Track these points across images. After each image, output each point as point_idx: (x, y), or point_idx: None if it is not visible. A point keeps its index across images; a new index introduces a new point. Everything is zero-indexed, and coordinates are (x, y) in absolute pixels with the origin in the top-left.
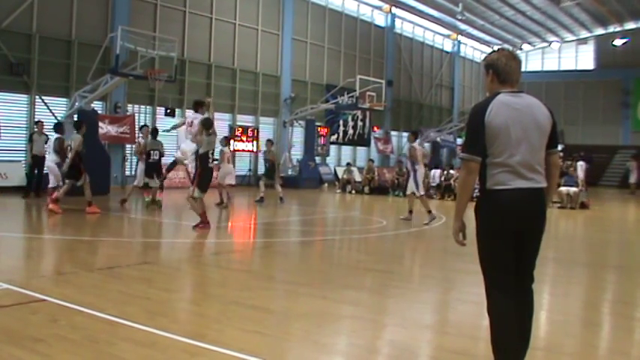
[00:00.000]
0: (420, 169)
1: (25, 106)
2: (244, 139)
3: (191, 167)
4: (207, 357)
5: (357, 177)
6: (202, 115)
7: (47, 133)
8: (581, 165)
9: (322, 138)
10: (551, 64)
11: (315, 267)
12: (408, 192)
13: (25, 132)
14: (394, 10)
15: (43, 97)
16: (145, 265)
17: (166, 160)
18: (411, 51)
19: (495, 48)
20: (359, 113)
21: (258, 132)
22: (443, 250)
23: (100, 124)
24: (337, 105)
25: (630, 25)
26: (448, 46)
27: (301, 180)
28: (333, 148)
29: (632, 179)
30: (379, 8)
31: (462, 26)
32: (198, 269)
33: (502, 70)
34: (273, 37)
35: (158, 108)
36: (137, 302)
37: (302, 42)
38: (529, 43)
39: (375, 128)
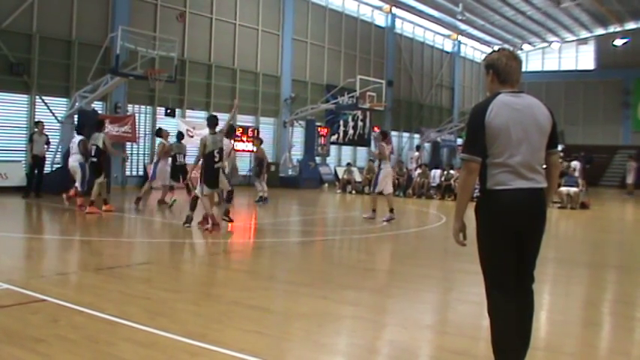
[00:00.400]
0: (386, 169)
1: (25, 106)
2: (244, 139)
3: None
4: (208, 357)
5: (358, 177)
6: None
7: (47, 134)
8: (574, 165)
9: (322, 138)
10: (551, 64)
11: (315, 267)
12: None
13: (25, 132)
14: (394, 10)
15: (43, 97)
16: (145, 265)
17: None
18: (411, 51)
19: (496, 48)
20: (359, 113)
21: (258, 132)
22: (443, 250)
23: None
24: (337, 105)
25: (630, 25)
26: (448, 46)
27: (301, 180)
28: (333, 148)
29: (630, 179)
30: (379, 8)
31: (462, 26)
32: (199, 269)
33: (502, 70)
34: (273, 37)
35: (158, 108)
36: (137, 302)
37: (302, 42)
38: (529, 43)
39: (376, 128)
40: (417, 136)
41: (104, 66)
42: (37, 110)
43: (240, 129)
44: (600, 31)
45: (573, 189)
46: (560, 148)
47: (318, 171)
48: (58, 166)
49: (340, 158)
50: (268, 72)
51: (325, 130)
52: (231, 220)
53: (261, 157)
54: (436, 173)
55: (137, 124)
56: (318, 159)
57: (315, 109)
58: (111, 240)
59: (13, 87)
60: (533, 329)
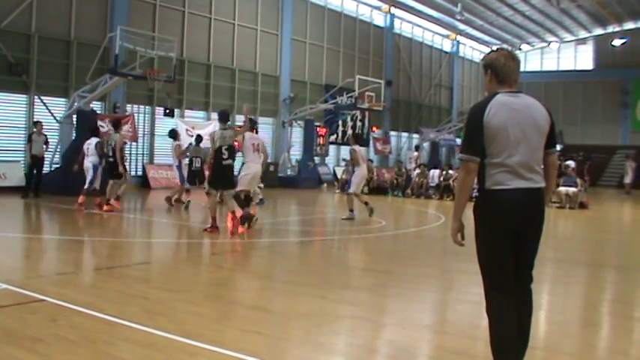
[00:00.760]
0: (360, 171)
1: (24, 106)
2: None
3: None
4: (206, 357)
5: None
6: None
7: (46, 134)
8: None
9: (321, 138)
10: (550, 65)
11: (314, 267)
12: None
13: (23, 132)
14: (393, 10)
15: (42, 97)
16: (144, 265)
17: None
18: (410, 51)
19: (494, 48)
20: (358, 113)
21: (257, 132)
22: (442, 250)
23: (101, 122)
24: (336, 105)
25: (629, 25)
26: (447, 46)
27: (300, 180)
28: (332, 148)
29: (628, 179)
30: (378, 8)
31: (461, 26)
32: (198, 269)
33: (500, 70)
34: (272, 37)
35: (157, 108)
36: (136, 302)
37: (301, 42)
38: (528, 44)
39: (374, 128)
40: (415, 136)
41: (103, 66)
42: (35, 110)
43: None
44: (599, 31)
45: (572, 189)
46: (558, 148)
47: (317, 171)
48: (57, 166)
49: (339, 158)
50: (267, 72)
51: (324, 130)
52: (249, 227)
53: None
54: (435, 173)
55: (136, 123)
56: (317, 159)
57: (314, 109)
58: (110, 240)
59: (11, 87)
60: (532, 329)
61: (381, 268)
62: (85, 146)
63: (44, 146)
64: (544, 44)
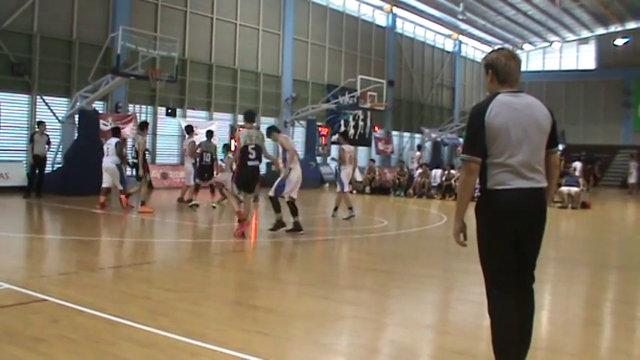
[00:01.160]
0: (346, 169)
1: (27, 106)
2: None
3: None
4: (208, 357)
5: (359, 177)
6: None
7: (48, 134)
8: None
9: (323, 138)
10: (552, 64)
11: (316, 267)
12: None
13: (26, 132)
14: (395, 10)
15: (44, 97)
16: (146, 264)
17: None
18: (412, 51)
19: (495, 48)
20: (360, 113)
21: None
22: (444, 250)
23: (103, 121)
24: (338, 105)
25: (631, 25)
26: (449, 46)
27: (302, 180)
28: (334, 148)
29: (632, 179)
30: (380, 8)
31: (463, 26)
32: (200, 269)
33: (501, 70)
34: (274, 37)
35: (159, 108)
36: (138, 302)
37: (303, 42)
38: (530, 43)
39: (376, 128)
40: (417, 135)
41: (105, 66)
42: (38, 110)
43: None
44: (601, 30)
45: (574, 189)
46: (560, 147)
47: (319, 171)
48: (59, 166)
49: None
50: (269, 72)
51: (326, 129)
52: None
53: None
54: (437, 173)
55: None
56: (319, 159)
57: (316, 109)
58: (112, 240)
59: (14, 87)
60: (534, 329)
61: (383, 268)
62: (105, 146)
63: (46, 146)
64: (546, 44)
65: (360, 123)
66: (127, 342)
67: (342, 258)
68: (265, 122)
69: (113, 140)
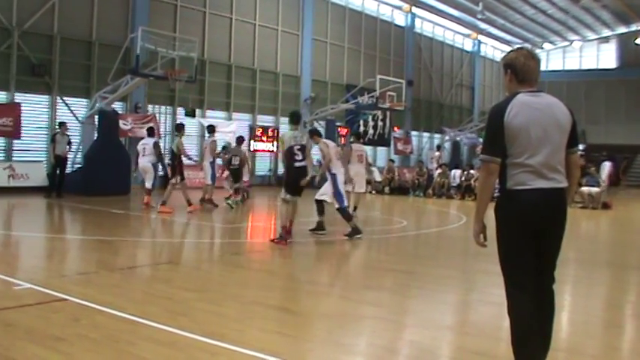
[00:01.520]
0: (354, 168)
1: (47, 106)
2: (264, 139)
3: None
4: (228, 357)
5: (378, 177)
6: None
7: (69, 134)
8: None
9: (342, 138)
10: (572, 63)
11: (335, 267)
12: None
13: (46, 133)
14: (414, 9)
15: (64, 98)
16: (165, 264)
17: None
18: (431, 51)
19: (514, 47)
20: (379, 113)
21: (278, 132)
22: (463, 250)
23: (123, 121)
24: (357, 105)
25: None
26: (468, 45)
27: (322, 180)
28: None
29: None
30: (399, 8)
31: (483, 25)
32: (219, 269)
33: (520, 70)
34: (293, 37)
35: (178, 108)
36: (158, 302)
37: (322, 42)
38: (550, 42)
39: (396, 128)
40: (437, 135)
41: (124, 66)
42: (58, 111)
43: (260, 129)
44: (622, 29)
45: (595, 189)
46: (581, 147)
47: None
48: (79, 166)
49: None
50: (288, 72)
51: (345, 130)
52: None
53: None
54: (456, 173)
55: (157, 124)
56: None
57: (335, 109)
58: (132, 240)
59: (34, 88)
60: (554, 330)
61: (403, 269)
62: (141, 146)
63: (67, 147)
64: (566, 43)
65: (380, 123)
66: (146, 342)
67: (361, 258)
68: (285, 123)
69: (150, 140)
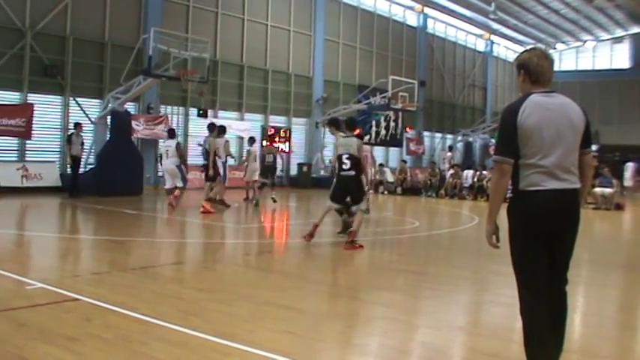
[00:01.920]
0: None
1: (60, 107)
2: (277, 139)
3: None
4: (239, 357)
5: (390, 178)
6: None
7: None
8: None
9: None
10: (585, 64)
11: (347, 268)
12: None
13: (59, 133)
14: (426, 10)
15: (76, 99)
16: (177, 265)
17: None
18: (443, 51)
19: (527, 47)
20: (391, 114)
21: (290, 133)
22: (476, 251)
23: (135, 122)
24: (369, 105)
25: None
26: (481, 45)
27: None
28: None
29: None
30: (411, 8)
31: (495, 26)
32: (231, 269)
33: (533, 70)
34: (305, 37)
35: (190, 109)
36: (170, 302)
37: (334, 42)
38: (563, 43)
39: (408, 129)
40: (449, 136)
41: (137, 67)
42: (70, 111)
43: (273, 130)
44: (636, 29)
45: (608, 190)
46: (594, 148)
47: None
48: (91, 166)
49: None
50: (300, 72)
51: (357, 130)
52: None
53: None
54: (468, 174)
55: (170, 124)
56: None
57: (347, 110)
58: (144, 240)
59: (47, 88)
60: (566, 332)
61: (415, 269)
62: (164, 148)
63: (80, 147)
64: (579, 43)
65: (392, 124)
66: (158, 342)
67: (373, 259)
68: (297, 123)
69: (172, 142)
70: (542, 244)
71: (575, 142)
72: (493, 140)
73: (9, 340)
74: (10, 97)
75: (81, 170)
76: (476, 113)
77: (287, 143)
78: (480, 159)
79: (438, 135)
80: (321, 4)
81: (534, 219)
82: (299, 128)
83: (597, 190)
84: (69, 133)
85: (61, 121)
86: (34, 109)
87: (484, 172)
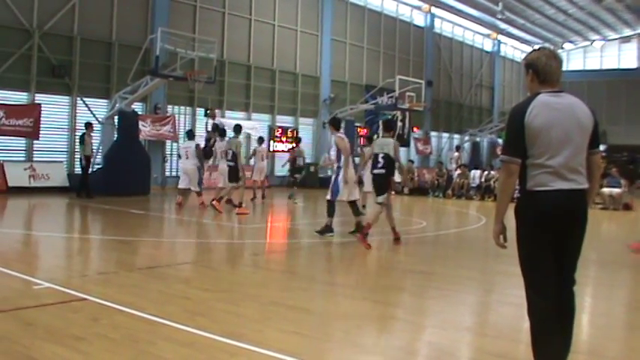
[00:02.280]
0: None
1: (67, 107)
2: (284, 139)
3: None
4: (247, 357)
5: (397, 177)
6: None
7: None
8: None
9: (362, 139)
10: (593, 63)
11: (354, 268)
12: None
13: (67, 133)
14: (433, 9)
15: (84, 99)
16: (184, 265)
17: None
18: (450, 51)
19: (536, 47)
20: (398, 114)
21: (297, 133)
22: (483, 251)
23: (142, 122)
24: (377, 105)
25: None
26: (488, 45)
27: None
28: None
29: None
30: (418, 8)
31: (502, 25)
32: (238, 269)
33: (542, 70)
34: (312, 37)
35: (198, 109)
36: (177, 302)
37: (341, 42)
38: (571, 42)
39: (415, 129)
40: (456, 136)
41: (144, 67)
42: (78, 111)
43: (280, 130)
44: None
45: (616, 190)
46: (602, 148)
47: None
48: (99, 166)
49: None
50: (307, 72)
51: (364, 130)
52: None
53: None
54: (476, 174)
55: (177, 124)
56: (357, 159)
57: (355, 110)
58: (151, 240)
59: (55, 89)
60: (574, 332)
61: (422, 270)
62: (183, 150)
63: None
64: (587, 43)
65: (399, 123)
66: (165, 342)
67: (380, 259)
68: (304, 123)
69: (192, 143)
70: (549, 245)
71: (583, 142)
72: (500, 140)
73: (16, 340)
74: (18, 97)
75: (89, 170)
76: (483, 113)
77: (294, 143)
78: (487, 159)
79: (446, 135)
80: (328, 4)
81: (542, 219)
82: (306, 128)
83: (605, 190)
84: (81, 133)
85: (68, 122)
86: (42, 109)
87: (492, 172)
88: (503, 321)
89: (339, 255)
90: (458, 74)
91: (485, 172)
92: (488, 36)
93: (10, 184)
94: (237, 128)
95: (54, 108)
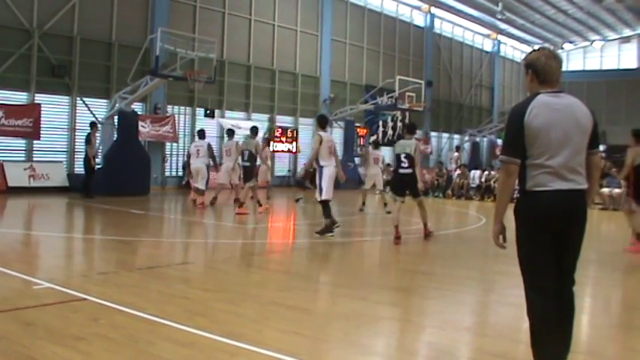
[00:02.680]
0: (371, 171)
1: (67, 107)
2: (284, 139)
3: None
4: (246, 357)
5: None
6: None
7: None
8: None
9: (361, 139)
10: (593, 64)
11: (354, 268)
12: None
13: (66, 133)
14: (433, 9)
15: (84, 99)
16: (184, 265)
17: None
18: (450, 51)
19: (535, 47)
20: (398, 114)
21: (297, 133)
22: (483, 251)
23: (142, 122)
24: (376, 105)
25: None
26: (488, 45)
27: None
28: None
29: None
30: (418, 8)
31: (502, 26)
32: (237, 269)
33: (541, 70)
34: (312, 37)
35: (197, 109)
36: (177, 302)
37: (341, 42)
38: (570, 42)
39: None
40: (456, 136)
41: (144, 67)
42: (78, 112)
43: (280, 130)
44: None
45: (616, 190)
46: (601, 148)
47: (357, 171)
48: (99, 166)
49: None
50: (307, 73)
51: (364, 130)
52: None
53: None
54: (476, 174)
55: (177, 124)
56: (357, 160)
57: (354, 110)
58: (151, 240)
59: (54, 89)
60: (573, 333)
61: (421, 270)
62: (194, 148)
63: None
64: (587, 43)
65: (399, 124)
66: (165, 342)
67: (379, 259)
68: (304, 123)
69: (204, 142)
70: (549, 245)
71: (582, 142)
72: (500, 140)
73: (16, 340)
74: (18, 97)
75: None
76: (483, 113)
77: (294, 143)
78: (487, 159)
79: (445, 135)
80: (327, 5)
81: (541, 219)
82: (306, 128)
83: (605, 190)
84: (87, 133)
85: (68, 122)
86: (42, 109)
87: (491, 173)
88: (503, 321)
89: (338, 255)
90: (458, 74)
91: (485, 173)
92: (488, 36)
93: (10, 184)
94: (255, 129)
95: (54, 108)
